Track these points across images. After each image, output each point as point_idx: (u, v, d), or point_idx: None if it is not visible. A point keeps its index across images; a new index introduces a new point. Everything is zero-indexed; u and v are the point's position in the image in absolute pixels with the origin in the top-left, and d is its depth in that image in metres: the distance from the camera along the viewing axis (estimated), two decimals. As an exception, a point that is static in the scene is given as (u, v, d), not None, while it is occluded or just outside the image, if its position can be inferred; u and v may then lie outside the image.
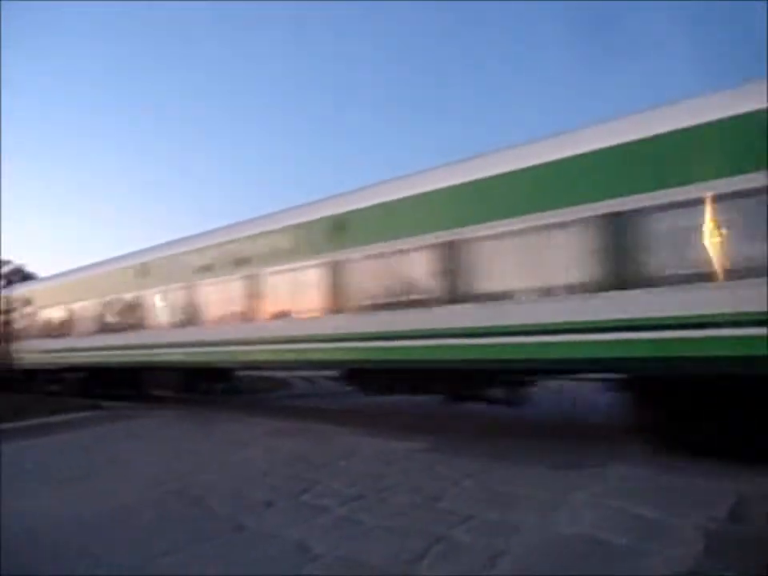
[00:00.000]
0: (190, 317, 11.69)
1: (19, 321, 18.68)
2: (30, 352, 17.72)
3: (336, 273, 8.90)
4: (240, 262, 10.58)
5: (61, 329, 16.37)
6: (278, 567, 3.68)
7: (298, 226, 9.68)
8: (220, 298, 11.15)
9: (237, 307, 10.66)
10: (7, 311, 19.25)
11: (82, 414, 12.14)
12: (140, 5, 63.60)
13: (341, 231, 8.88)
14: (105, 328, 14.49)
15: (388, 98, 76.40)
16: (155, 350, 12.69)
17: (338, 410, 12.13)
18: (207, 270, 11.30)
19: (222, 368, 12.54)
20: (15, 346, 18.50)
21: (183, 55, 72.12)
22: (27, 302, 18.41)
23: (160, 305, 12.73)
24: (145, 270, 13.22)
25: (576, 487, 5.08)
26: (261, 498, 5.22)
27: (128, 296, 13.63)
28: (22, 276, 55.30)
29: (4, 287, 56.99)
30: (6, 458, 7.39)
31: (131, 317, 13.48)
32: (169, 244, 13.06)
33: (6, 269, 55.74)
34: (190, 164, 78.47)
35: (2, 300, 19.80)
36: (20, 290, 20.11)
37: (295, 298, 9.78)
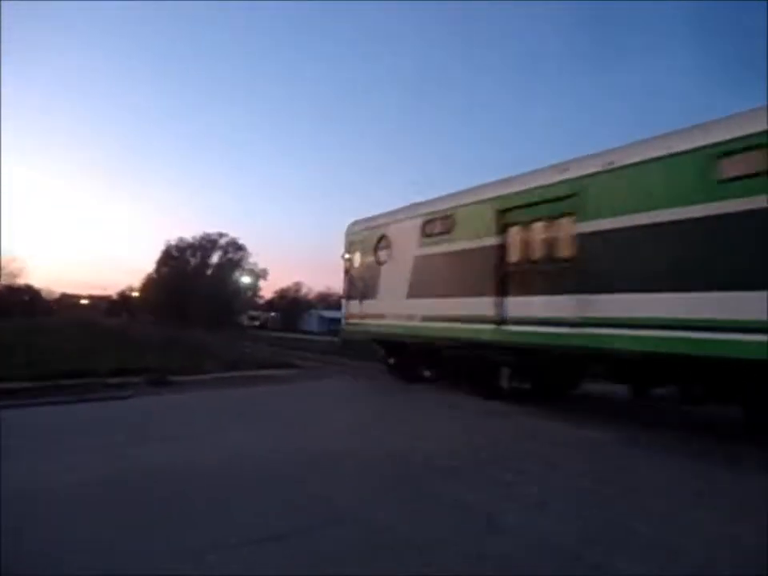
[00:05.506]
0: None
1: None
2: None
3: None
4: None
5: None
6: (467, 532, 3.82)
7: None
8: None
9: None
10: None
11: (282, 371, 13.81)
12: None
13: None
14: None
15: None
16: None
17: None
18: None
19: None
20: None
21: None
22: None
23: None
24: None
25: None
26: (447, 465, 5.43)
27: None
28: (236, 247, 64.24)
29: (222, 257, 65.37)
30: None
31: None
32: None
33: (223, 240, 65.27)
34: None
35: None
36: None
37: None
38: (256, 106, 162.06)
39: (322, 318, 68.82)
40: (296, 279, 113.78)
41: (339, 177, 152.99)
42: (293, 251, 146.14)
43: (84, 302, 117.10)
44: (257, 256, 73.12)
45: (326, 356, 20.39)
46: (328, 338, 35.03)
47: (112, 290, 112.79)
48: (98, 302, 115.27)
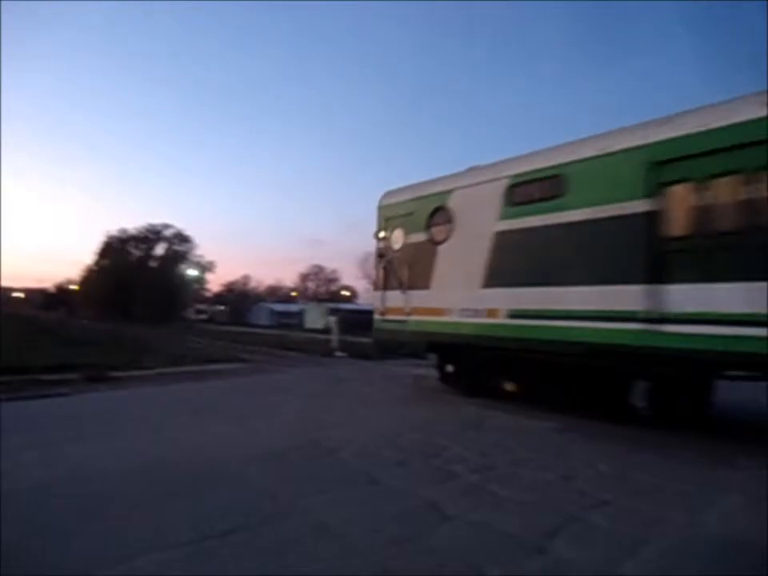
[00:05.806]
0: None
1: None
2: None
3: None
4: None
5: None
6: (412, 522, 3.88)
7: None
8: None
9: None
10: None
11: (229, 365, 13.59)
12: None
13: None
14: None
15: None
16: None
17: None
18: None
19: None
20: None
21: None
22: None
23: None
24: None
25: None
26: (393, 457, 5.49)
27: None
28: (182, 239, 62.44)
29: (167, 249, 63.59)
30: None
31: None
32: None
33: (168, 232, 63.27)
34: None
35: None
36: None
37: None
38: (204, 94, 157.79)
39: (271, 311, 68.03)
40: (244, 272, 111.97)
41: (288, 169, 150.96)
42: (241, 244, 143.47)
43: (18, 294, 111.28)
44: (203, 248, 71.34)
45: (274, 349, 20.23)
46: (277, 331, 34.65)
47: (49, 282, 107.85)
48: (33, 295, 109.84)
